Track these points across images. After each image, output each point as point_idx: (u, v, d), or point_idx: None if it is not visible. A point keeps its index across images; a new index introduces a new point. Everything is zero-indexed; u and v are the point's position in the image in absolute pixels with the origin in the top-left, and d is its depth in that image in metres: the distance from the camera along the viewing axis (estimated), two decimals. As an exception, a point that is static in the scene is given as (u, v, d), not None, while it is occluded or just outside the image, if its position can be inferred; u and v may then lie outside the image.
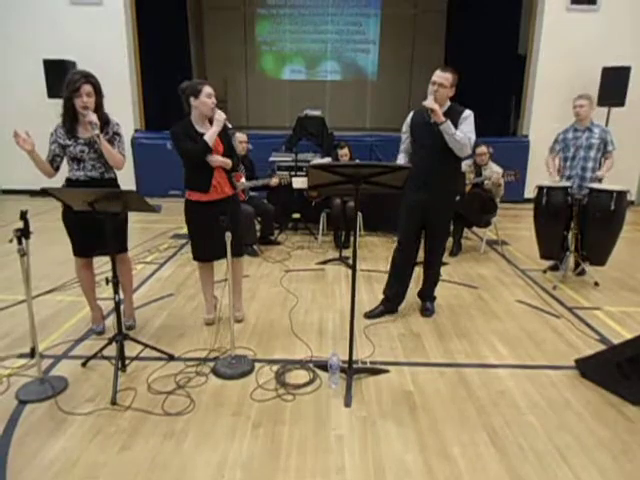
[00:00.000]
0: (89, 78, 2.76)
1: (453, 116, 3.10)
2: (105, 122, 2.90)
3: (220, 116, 2.98)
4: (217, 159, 3.05)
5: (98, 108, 2.82)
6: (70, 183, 2.93)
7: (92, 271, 3.18)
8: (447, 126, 3.04)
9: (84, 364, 2.79)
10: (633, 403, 2.50)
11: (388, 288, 3.57)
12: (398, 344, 3.14)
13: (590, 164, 4.23)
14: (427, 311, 3.59)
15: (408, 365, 2.89)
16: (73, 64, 7.35)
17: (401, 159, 3.40)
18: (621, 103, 7.15)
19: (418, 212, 3.32)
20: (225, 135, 3.13)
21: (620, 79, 7.10)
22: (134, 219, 3.62)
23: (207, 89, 2.96)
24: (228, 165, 3.11)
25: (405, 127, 3.36)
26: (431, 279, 3.63)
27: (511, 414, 2.43)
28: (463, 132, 3.09)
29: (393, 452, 2.15)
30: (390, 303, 3.58)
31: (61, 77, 7.81)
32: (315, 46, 11.80)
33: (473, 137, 3.14)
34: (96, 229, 2.66)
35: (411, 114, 3.36)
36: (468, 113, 3.16)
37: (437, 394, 2.59)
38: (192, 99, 2.98)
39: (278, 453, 2.13)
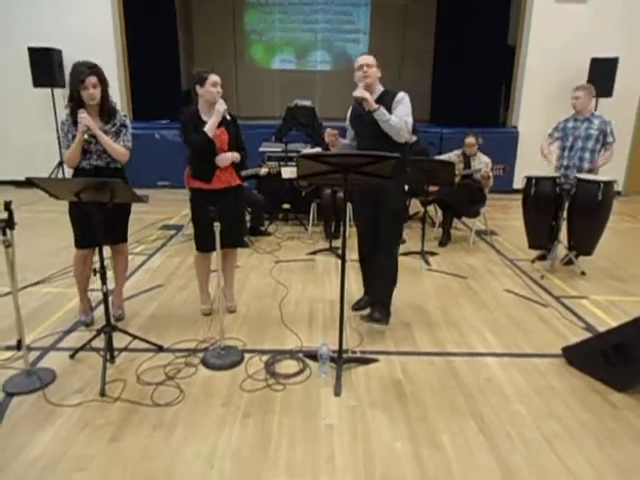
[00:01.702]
0: (94, 69, 2.76)
1: (387, 100, 2.97)
2: (111, 113, 2.92)
3: (220, 106, 2.96)
4: (226, 157, 3.06)
5: (104, 98, 2.84)
6: (76, 172, 2.94)
7: (92, 263, 3.14)
8: (380, 112, 2.88)
9: (72, 356, 2.76)
10: (618, 390, 2.54)
11: (364, 280, 3.47)
12: (387, 333, 3.15)
13: (587, 155, 4.24)
14: (371, 319, 3.09)
15: (398, 354, 2.91)
16: (59, 52, 7.23)
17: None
18: (609, 94, 7.20)
19: (369, 197, 3.10)
20: (233, 126, 3.13)
21: (608, 70, 7.15)
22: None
23: (213, 77, 2.97)
24: (237, 160, 3.12)
25: (347, 121, 3.26)
26: (379, 275, 3.20)
27: (499, 402, 2.46)
28: (398, 116, 2.92)
29: (383, 441, 2.16)
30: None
31: (47, 66, 7.66)
32: (305, 36, 11.68)
33: (410, 120, 2.98)
34: (103, 220, 2.63)
35: (350, 108, 3.23)
36: (402, 95, 3.01)
37: (426, 383, 2.61)
38: (198, 87, 2.99)
39: (268, 443, 2.13)
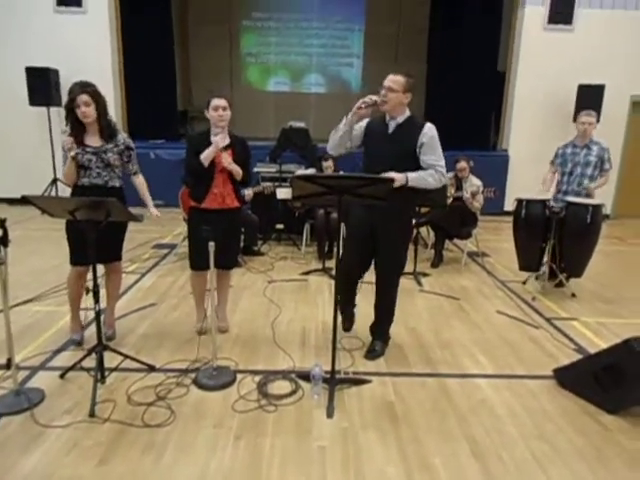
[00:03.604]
0: (85, 88, 2.82)
1: (411, 130, 2.82)
2: (112, 132, 2.98)
3: (220, 140, 2.99)
4: (228, 161, 3.05)
5: (101, 116, 2.89)
6: (75, 189, 2.97)
7: (85, 281, 3.14)
8: (414, 182, 2.75)
9: (62, 375, 2.73)
10: (609, 412, 2.55)
11: (346, 297, 3.30)
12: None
13: (586, 181, 4.29)
14: (370, 353, 3.09)
15: (390, 375, 2.90)
16: (56, 72, 7.31)
17: (331, 147, 2.98)
18: (596, 120, 7.36)
19: (365, 232, 2.96)
20: (241, 149, 3.17)
21: (595, 96, 7.34)
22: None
23: (214, 102, 3.03)
24: (238, 174, 3.12)
25: (356, 129, 2.91)
26: (381, 314, 3.15)
27: (491, 423, 2.46)
28: (428, 163, 2.77)
29: (375, 463, 2.15)
30: (346, 322, 3.42)
31: (43, 85, 7.72)
32: (300, 59, 11.91)
33: (442, 163, 2.80)
34: (98, 238, 2.63)
35: (365, 121, 2.95)
36: (429, 132, 2.79)
37: (419, 404, 2.61)
38: (205, 111, 3.07)
39: (260, 465, 2.11)
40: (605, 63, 7.67)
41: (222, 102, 3.02)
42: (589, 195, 4.30)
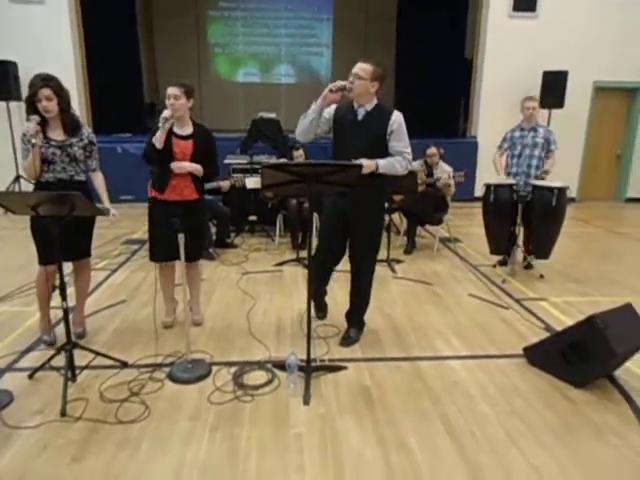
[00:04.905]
0: (47, 82, 2.71)
1: (381, 117, 2.85)
2: (75, 126, 2.89)
3: (162, 117, 2.89)
4: (181, 166, 3.02)
5: (63, 110, 2.79)
6: (39, 186, 2.86)
7: (54, 280, 3.04)
8: (384, 169, 2.80)
9: (31, 376, 2.66)
10: (575, 386, 2.64)
11: (319, 285, 3.32)
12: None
13: (535, 162, 4.45)
14: (346, 339, 3.13)
15: (365, 361, 2.93)
16: (14, 65, 7.02)
17: (299, 133, 2.96)
18: (560, 105, 7.56)
19: (339, 221, 2.98)
20: (203, 140, 3.08)
21: (559, 82, 7.52)
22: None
23: (167, 90, 2.96)
24: (198, 172, 3.06)
25: (324, 114, 2.89)
26: (358, 301, 3.18)
27: (464, 403, 2.51)
28: (396, 150, 2.83)
29: (352, 447, 2.17)
30: (320, 311, 3.47)
31: (1, 78, 7.41)
32: (269, 49, 11.77)
33: (409, 150, 2.87)
34: (64, 235, 2.54)
35: (333, 107, 2.93)
36: (397, 119, 2.84)
37: (394, 388, 2.65)
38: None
39: (237, 455, 2.11)
40: (568, 49, 7.84)
41: (174, 90, 2.93)
42: (540, 177, 4.41)
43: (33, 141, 2.67)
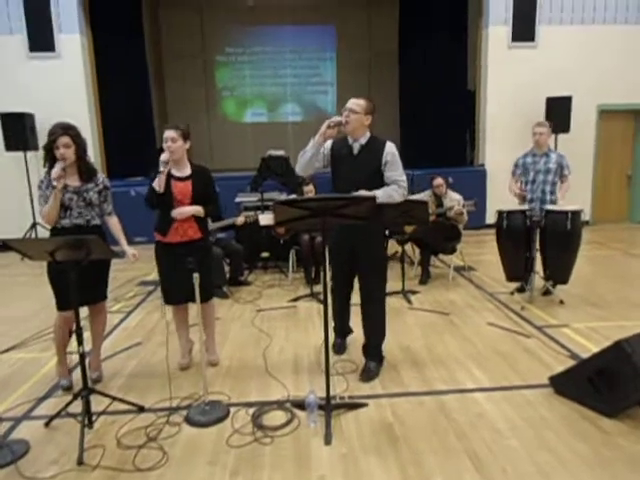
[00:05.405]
0: (67, 130, 2.81)
1: (375, 149, 2.97)
2: (91, 173, 2.97)
3: (163, 156, 2.93)
4: (182, 211, 3.04)
5: (80, 158, 2.88)
6: (55, 232, 2.91)
7: (72, 325, 3.05)
8: (382, 199, 2.85)
9: (47, 424, 2.62)
10: (607, 415, 2.53)
11: (338, 317, 3.38)
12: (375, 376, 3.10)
13: (549, 187, 4.44)
14: (365, 373, 3.06)
15: (386, 397, 2.86)
16: (31, 117, 7.29)
17: (300, 169, 3.10)
18: (566, 129, 7.60)
19: (344, 254, 3.07)
20: (201, 179, 3.11)
21: (563, 107, 7.59)
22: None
23: (164, 133, 3.00)
24: (199, 213, 3.09)
25: (322, 150, 3.01)
26: (371, 333, 3.15)
27: (491, 438, 2.42)
28: (392, 179, 2.94)
29: (377, 488, 2.09)
30: (341, 342, 3.47)
31: (19, 130, 7.67)
32: (275, 89, 12.11)
33: (404, 178, 2.98)
34: (81, 279, 2.57)
35: (330, 143, 3.05)
36: (391, 150, 2.97)
37: (417, 424, 2.56)
38: None
39: (258, 501, 2.04)
40: (570, 76, 7.94)
41: (170, 133, 2.95)
42: (554, 202, 4.41)
43: (54, 184, 2.73)
